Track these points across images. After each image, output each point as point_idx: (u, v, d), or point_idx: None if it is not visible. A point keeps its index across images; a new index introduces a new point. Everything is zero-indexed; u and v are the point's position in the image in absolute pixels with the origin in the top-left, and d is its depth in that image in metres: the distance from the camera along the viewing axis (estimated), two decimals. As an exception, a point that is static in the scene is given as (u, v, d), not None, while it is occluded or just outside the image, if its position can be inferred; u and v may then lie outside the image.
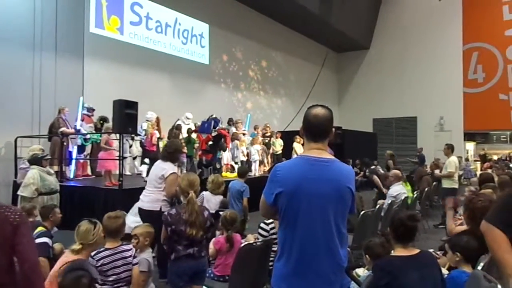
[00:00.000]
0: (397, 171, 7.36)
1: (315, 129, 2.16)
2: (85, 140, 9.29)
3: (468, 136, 21.84)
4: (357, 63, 23.20)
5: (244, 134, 12.16)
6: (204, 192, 5.31)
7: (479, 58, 20.96)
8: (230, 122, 12.30)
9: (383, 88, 21.73)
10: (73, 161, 9.24)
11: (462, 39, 20.42)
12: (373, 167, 9.70)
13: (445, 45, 20.21)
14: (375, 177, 8.96)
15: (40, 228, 4.26)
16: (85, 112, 9.49)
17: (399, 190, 6.75)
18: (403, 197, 6.57)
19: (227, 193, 6.11)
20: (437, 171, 8.32)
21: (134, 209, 5.12)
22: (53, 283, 2.85)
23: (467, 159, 19.68)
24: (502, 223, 1.93)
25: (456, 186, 8.39)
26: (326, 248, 2.05)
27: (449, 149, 8.57)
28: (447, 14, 20.29)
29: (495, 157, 19.76)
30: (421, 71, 20.71)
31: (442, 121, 20.62)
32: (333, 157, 2.15)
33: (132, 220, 4.83)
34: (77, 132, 9.07)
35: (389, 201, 6.42)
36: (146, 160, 9.49)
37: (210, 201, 5.23)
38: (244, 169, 7.01)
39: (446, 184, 8.32)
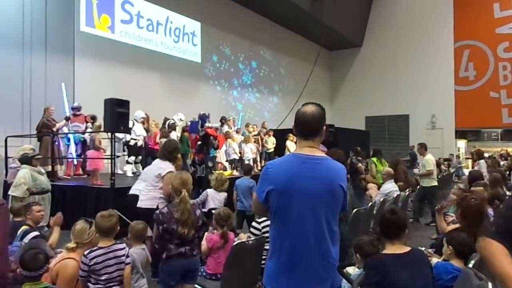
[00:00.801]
0: (389, 169, 7.40)
1: (304, 127, 2.16)
2: (68, 139, 9.24)
3: (460, 134, 21.99)
4: (349, 61, 23.26)
5: (237, 132, 12.15)
6: (208, 190, 5.42)
7: (470, 56, 21.10)
8: (223, 120, 12.28)
9: (375, 86, 21.81)
10: (72, 160, 9.34)
11: (454, 36, 20.55)
12: (359, 158, 10.01)
13: (437, 43, 20.34)
14: (360, 165, 9.14)
15: (24, 227, 4.26)
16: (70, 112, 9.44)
17: (391, 187, 6.78)
18: (395, 195, 6.59)
19: (234, 192, 6.25)
20: (416, 170, 8.42)
21: (143, 175, 5.28)
22: (47, 280, 2.86)
23: (458, 157, 19.80)
24: (501, 236, 1.73)
25: (436, 183, 8.44)
26: (317, 246, 2.04)
27: (423, 148, 8.66)
28: (438, 12, 20.42)
29: (486, 155, 19.85)
30: (413, 69, 20.83)
31: (434, 119, 20.75)
32: (324, 155, 2.15)
33: (143, 185, 4.90)
34: (67, 119, 9.06)
35: (381, 199, 6.44)
36: (130, 159, 9.57)
37: (215, 198, 5.32)
38: (248, 166, 7.20)
39: (425, 183, 8.35)
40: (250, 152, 11.56)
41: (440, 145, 20.01)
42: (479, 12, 20.73)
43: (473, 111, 20.41)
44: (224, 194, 5.45)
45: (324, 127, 2.18)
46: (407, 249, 2.60)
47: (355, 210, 5.45)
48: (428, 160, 8.42)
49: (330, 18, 18.05)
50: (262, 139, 12.92)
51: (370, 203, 6.15)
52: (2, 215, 2.62)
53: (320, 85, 22.35)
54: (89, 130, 9.39)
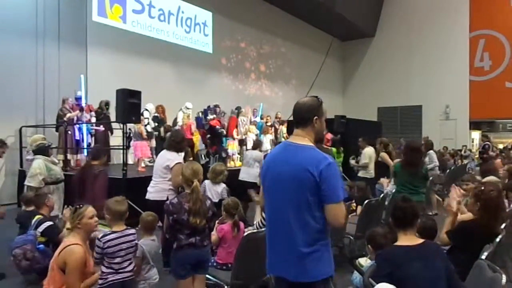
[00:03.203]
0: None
1: (294, 114, 2.27)
2: (79, 129, 9.37)
3: (474, 125, 21.67)
4: (362, 52, 23.00)
5: (254, 124, 12.11)
6: (205, 181, 5.22)
7: (485, 46, 20.70)
8: (237, 110, 12.32)
9: (388, 76, 21.56)
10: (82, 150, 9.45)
11: (469, 26, 20.15)
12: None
13: (452, 32, 19.97)
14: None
15: (38, 216, 4.34)
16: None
17: None
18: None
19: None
20: (352, 161, 8.57)
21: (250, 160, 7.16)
22: (54, 269, 2.89)
23: (470, 150, 19.49)
24: None
25: (369, 176, 8.58)
26: (284, 229, 2.12)
27: (364, 141, 9.04)
28: (453, 1, 20.02)
29: (500, 146, 19.55)
30: (427, 59, 20.51)
31: (448, 109, 20.47)
32: (310, 144, 2.18)
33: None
34: (81, 110, 9.21)
35: (393, 190, 6.38)
36: None
37: (212, 189, 5.16)
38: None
39: (361, 173, 8.49)
40: (269, 143, 11.55)
41: (454, 136, 19.78)
42: (496, 0, 20.28)
43: (488, 102, 20.07)
44: (222, 186, 5.22)
45: (315, 118, 2.19)
46: (420, 241, 2.58)
47: (366, 201, 5.43)
48: (365, 153, 8.65)
49: (343, 8, 17.83)
50: (276, 130, 12.92)
51: (382, 194, 6.12)
52: (102, 175, 4.48)
53: (332, 76, 22.20)
54: (94, 119, 9.49)
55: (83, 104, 9.37)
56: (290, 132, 12.57)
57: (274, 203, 2.19)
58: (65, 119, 8.71)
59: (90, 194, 4.22)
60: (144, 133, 9.06)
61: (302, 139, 2.18)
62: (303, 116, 2.21)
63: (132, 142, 9.17)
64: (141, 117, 9.22)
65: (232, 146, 11.02)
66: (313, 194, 2.05)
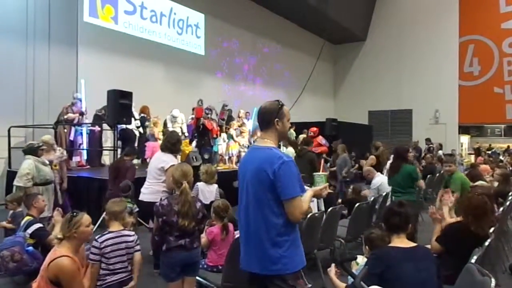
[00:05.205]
0: (369, 168, 7.71)
1: (257, 120, 2.44)
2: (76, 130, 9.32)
3: (463, 129, 21.91)
4: (353, 55, 23.12)
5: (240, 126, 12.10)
6: (198, 183, 5.17)
7: (475, 51, 20.94)
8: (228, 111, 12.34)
9: (379, 80, 21.70)
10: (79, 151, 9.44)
11: (459, 31, 20.38)
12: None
13: (441, 38, 20.18)
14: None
15: (27, 218, 4.28)
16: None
17: (380, 180, 6.81)
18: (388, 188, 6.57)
19: None
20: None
21: None
22: (43, 277, 2.82)
23: (460, 155, 19.69)
24: None
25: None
26: (250, 226, 2.30)
27: (287, 141, 9.84)
28: (443, 6, 20.24)
29: (489, 152, 19.81)
30: (417, 63, 20.69)
31: (438, 113, 20.65)
32: (269, 145, 2.32)
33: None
34: (81, 114, 9.18)
35: (373, 193, 6.52)
36: None
37: (205, 191, 5.14)
38: None
39: None
40: None
41: (443, 140, 19.96)
42: (485, 7, 20.54)
43: (476, 107, 20.30)
44: (214, 186, 5.22)
45: (276, 120, 2.34)
46: (413, 244, 2.62)
47: (357, 204, 5.45)
48: (289, 152, 8.96)
49: (334, 12, 17.92)
50: None
51: (373, 198, 6.17)
52: (132, 168, 6.05)
53: (323, 79, 22.26)
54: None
55: (83, 109, 9.31)
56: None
57: (243, 202, 2.35)
58: (65, 117, 8.67)
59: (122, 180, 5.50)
60: (156, 134, 9.32)
61: (264, 141, 2.34)
62: (264, 119, 2.37)
63: (149, 143, 9.52)
64: (155, 119, 9.79)
65: (234, 147, 11.00)
66: (270, 192, 2.20)
